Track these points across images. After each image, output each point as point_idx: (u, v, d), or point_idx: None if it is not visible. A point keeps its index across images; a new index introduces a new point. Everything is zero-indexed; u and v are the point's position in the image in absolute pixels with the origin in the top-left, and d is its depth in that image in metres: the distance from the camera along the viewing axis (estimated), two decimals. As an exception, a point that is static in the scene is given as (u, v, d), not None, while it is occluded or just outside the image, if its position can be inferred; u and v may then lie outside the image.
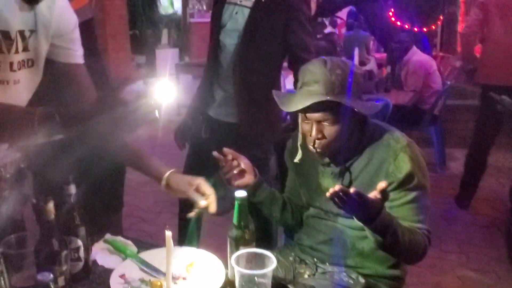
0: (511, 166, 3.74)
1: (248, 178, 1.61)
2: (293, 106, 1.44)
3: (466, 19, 3.71)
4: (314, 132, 1.46)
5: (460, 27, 7.94)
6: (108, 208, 1.84)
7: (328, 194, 1.21)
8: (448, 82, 4.89)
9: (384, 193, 1.25)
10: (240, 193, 1.25)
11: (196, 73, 8.35)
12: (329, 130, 1.45)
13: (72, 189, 1.26)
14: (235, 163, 1.58)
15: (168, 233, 1.21)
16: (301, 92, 1.46)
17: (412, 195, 1.44)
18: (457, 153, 5.03)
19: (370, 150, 1.50)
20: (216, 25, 2.23)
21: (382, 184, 1.24)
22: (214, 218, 2.96)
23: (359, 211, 1.27)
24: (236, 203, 1.24)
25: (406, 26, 6.80)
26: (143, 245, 1.47)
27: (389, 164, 1.44)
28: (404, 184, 1.43)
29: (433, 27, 7.51)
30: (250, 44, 2.16)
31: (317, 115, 1.44)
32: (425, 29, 7.00)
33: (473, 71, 5.16)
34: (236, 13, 2.19)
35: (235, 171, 1.58)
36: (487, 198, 3.82)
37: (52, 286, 0.87)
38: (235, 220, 1.25)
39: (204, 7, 11.08)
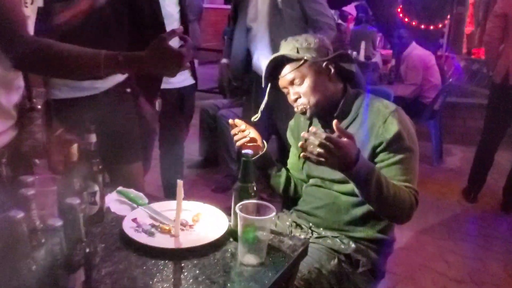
0: (505, 163, 3.84)
1: (258, 147, 1.75)
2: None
3: (487, 27, 3.72)
4: (291, 95, 1.68)
5: (466, 29, 8.03)
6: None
7: (303, 134, 1.36)
8: (450, 80, 5.00)
9: (342, 131, 1.37)
10: (247, 151, 1.37)
11: (202, 57, 8.46)
12: (301, 88, 1.65)
13: (93, 138, 1.36)
14: (246, 132, 1.72)
15: (180, 182, 1.32)
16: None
17: (399, 156, 1.55)
18: (454, 149, 5.15)
19: (362, 117, 1.63)
20: None
21: (334, 122, 1.37)
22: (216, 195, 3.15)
23: (337, 157, 1.35)
24: (242, 159, 1.36)
25: (414, 23, 6.89)
26: (153, 199, 1.59)
27: (379, 127, 1.57)
28: (392, 144, 1.55)
29: (440, 26, 7.57)
30: None
31: (285, 79, 1.68)
32: (432, 27, 7.07)
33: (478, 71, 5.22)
34: None
35: (245, 139, 1.73)
36: (480, 192, 3.93)
37: (79, 210, 0.98)
38: (240, 175, 1.36)
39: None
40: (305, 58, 1.64)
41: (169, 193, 2.66)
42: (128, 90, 2.01)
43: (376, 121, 1.59)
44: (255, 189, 1.37)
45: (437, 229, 3.31)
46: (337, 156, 1.34)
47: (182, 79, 2.81)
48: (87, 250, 0.99)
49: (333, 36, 2.77)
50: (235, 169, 3.79)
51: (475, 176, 3.90)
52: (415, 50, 4.66)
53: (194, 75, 2.86)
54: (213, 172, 4.21)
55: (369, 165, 1.44)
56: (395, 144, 1.55)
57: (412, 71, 4.58)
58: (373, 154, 1.58)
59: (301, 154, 1.39)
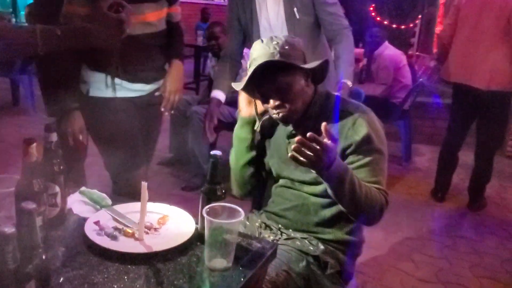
0: (472, 163, 3.90)
1: None
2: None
3: (443, 22, 3.77)
4: (272, 102, 1.56)
5: (437, 29, 8.16)
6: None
7: (297, 139, 1.30)
8: (421, 79, 5.04)
9: (329, 133, 1.33)
10: (215, 152, 1.33)
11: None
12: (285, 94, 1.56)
13: (54, 137, 1.31)
14: None
15: (144, 184, 1.28)
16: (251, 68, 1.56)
17: (368, 158, 1.53)
18: (423, 149, 5.22)
19: (332, 119, 1.58)
20: None
21: (323, 124, 1.34)
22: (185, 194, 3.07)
23: (321, 158, 1.31)
24: (211, 161, 1.32)
25: (385, 22, 6.97)
26: (117, 200, 1.54)
27: (348, 129, 1.55)
28: (361, 146, 1.53)
29: (411, 25, 7.68)
30: None
31: (273, 86, 1.55)
32: (403, 27, 7.17)
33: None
34: None
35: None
36: (448, 192, 3.99)
37: (35, 214, 0.93)
38: (208, 177, 1.32)
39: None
40: (299, 66, 1.54)
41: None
42: (157, 93, 2.10)
43: (346, 122, 1.58)
44: (223, 191, 1.34)
45: (405, 229, 3.34)
46: (321, 157, 1.32)
47: None
48: (44, 257, 0.94)
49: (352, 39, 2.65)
50: (206, 168, 3.70)
51: (440, 176, 3.95)
52: (387, 50, 4.70)
53: None
54: (183, 170, 4.14)
55: (343, 165, 1.42)
56: (364, 146, 1.54)
57: (383, 71, 4.61)
58: (343, 156, 1.56)
59: (289, 154, 1.34)
